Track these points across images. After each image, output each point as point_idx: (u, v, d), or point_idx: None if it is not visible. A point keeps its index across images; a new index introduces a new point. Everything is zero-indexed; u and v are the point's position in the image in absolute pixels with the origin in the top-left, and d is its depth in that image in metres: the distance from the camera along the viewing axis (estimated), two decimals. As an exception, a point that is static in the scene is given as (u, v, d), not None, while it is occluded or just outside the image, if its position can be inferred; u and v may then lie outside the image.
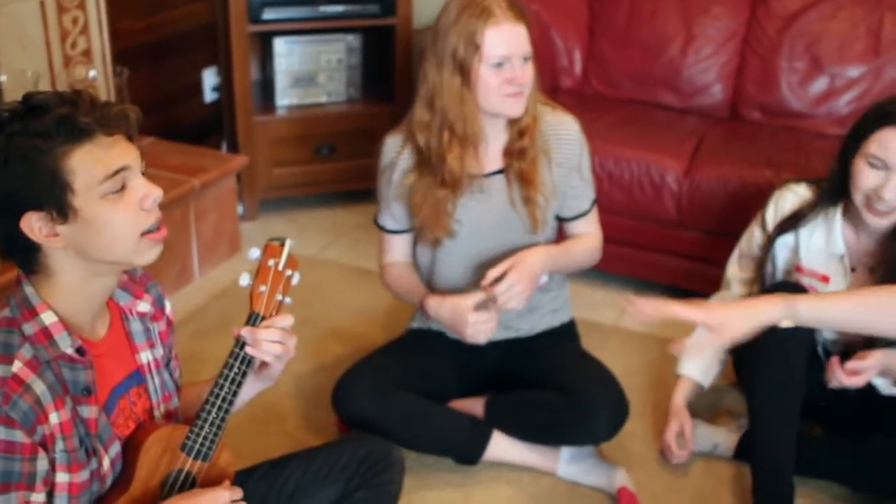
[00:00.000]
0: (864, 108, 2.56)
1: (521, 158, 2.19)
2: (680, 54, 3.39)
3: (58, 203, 1.37)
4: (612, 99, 3.48)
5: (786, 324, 1.73)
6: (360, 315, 3.01)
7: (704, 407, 2.55)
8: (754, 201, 2.69)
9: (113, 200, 1.40)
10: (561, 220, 2.34)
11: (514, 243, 2.22)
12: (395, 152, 2.25)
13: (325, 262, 3.36)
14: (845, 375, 2.10)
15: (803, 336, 2.07)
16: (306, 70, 3.64)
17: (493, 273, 2.12)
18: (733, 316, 1.72)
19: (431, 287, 2.33)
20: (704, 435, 2.43)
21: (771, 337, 1.97)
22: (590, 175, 2.32)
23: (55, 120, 1.35)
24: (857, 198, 2.10)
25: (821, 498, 2.28)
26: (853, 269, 2.22)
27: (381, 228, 2.35)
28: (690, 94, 3.42)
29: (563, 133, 2.24)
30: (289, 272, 1.59)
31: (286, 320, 1.59)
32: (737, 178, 2.90)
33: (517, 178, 2.20)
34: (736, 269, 2.42)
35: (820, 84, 3.27)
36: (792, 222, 2.26)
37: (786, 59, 3.29)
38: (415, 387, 2.29)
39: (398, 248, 2.36)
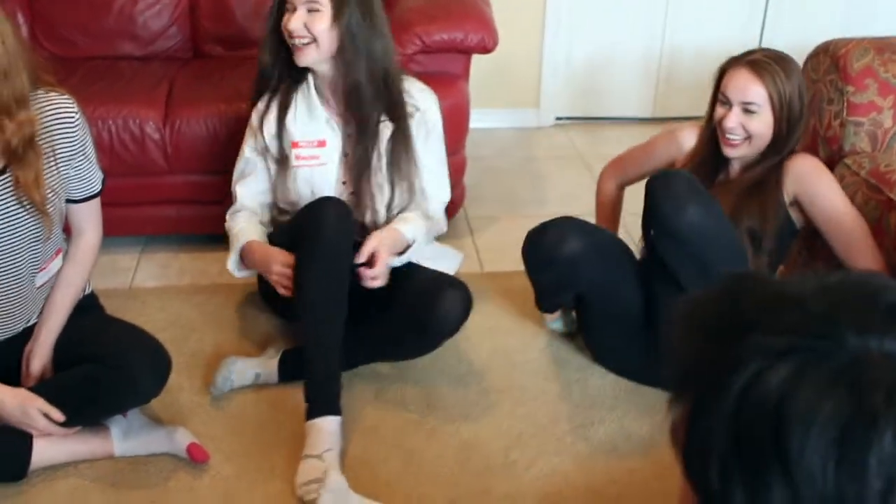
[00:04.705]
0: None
1: None
2: (130, 1, 3.33)
3: None
4: (69, 59, 3.31)
5: None
6: None
7: (245, 341, 2.63)
8: (237, 135, 2.76)
9: None
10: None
11: None
12: None
13: None
14: (370, 281, 2.33)
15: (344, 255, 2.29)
16: None
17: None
18: None
19: None
20: (243, 369, 2.47)
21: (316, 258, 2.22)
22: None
23: None
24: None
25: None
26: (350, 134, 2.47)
27: None
28: (149, 40, 3.37)
29: None
30: None
31: None
32: (216, 116, 2.94)
33: None
34: (243, 190, 2.55)
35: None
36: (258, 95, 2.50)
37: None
38: None
39: None
